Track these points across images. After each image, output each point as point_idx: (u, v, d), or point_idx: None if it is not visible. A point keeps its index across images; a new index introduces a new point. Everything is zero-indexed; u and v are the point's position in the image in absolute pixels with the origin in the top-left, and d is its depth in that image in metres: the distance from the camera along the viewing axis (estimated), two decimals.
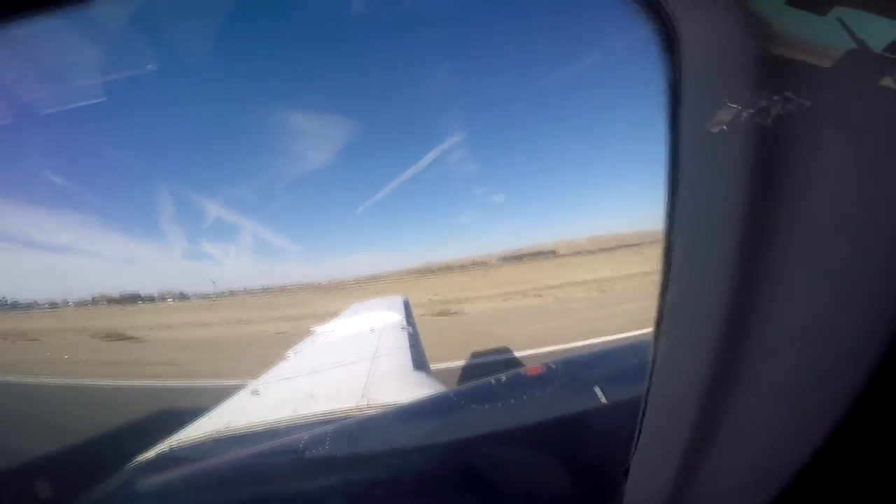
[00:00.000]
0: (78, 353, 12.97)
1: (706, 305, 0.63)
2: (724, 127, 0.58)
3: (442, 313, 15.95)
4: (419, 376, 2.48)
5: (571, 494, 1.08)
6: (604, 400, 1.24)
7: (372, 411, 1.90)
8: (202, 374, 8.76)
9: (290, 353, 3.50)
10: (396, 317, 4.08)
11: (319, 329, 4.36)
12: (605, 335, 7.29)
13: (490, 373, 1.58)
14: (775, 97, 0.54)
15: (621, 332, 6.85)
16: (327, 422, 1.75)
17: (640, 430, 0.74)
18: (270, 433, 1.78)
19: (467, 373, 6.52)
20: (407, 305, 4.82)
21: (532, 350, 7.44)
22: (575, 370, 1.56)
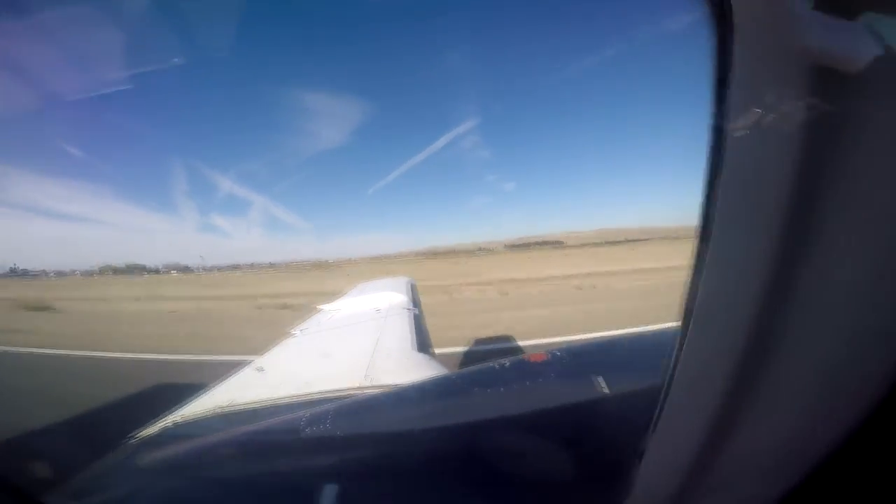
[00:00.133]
0: None
1: (740, 297, 0.63)
2: (774, 124, 0.57)
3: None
4: (423, 358, 2.48)
5: (578, 478, 1.08)
6: (607, 389, 1.24)
7: (374, 391, 1.90)
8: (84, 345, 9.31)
9: (296, 330, 3.51)
10: (402, 298, 4.08)
11: (325, 307, 4.37)
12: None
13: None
14: (828, 97, 0.54)
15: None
16: (329, 400, 1.76)
17: (658, 415, 0.74)
18: (273, 410, 1.79)
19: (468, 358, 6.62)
20: (413, 287, 4.81)
21: None
22: (579, 359, 1.55)
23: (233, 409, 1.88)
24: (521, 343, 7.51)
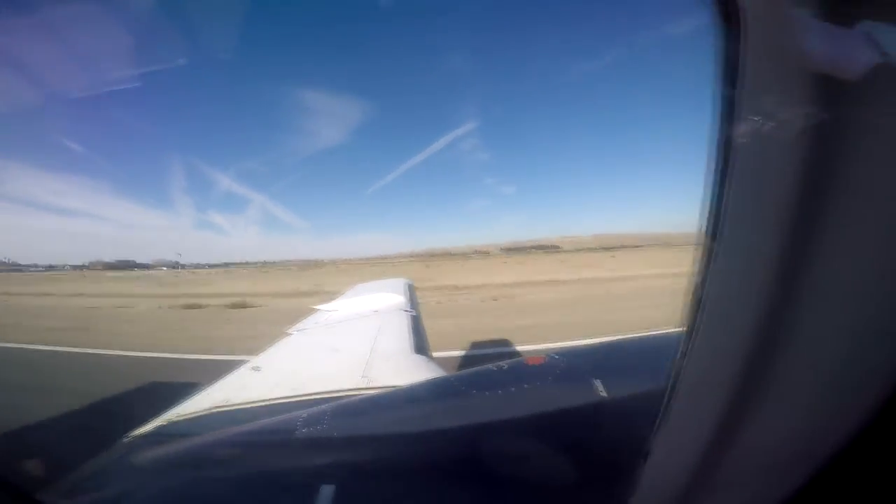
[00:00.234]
0: None
1: (749, 298, 0.63)
2: (781, 128, 0.57)
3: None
4: (420, 360, 2.47)
5: (580, 479, 1.08)
6: (605, 392, 1.25)
7: (371, 392, 1.89)
8: None
9: (293, 330, 3.49)
10: (399, 299, 4.06)
11: (322, 308, 4.35)
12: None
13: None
14: (834, 101, 0.54)
15: None
16: (326, 401, 1.75)
17: (663, 416, 0.74)
18: (269, 410, 1.78)
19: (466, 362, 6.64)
20: (410, 288, 4.80)
21: None
22: (577, 361, 1.55)
23: (229, 408, 1.86)
24: (518, 348, 7.53)
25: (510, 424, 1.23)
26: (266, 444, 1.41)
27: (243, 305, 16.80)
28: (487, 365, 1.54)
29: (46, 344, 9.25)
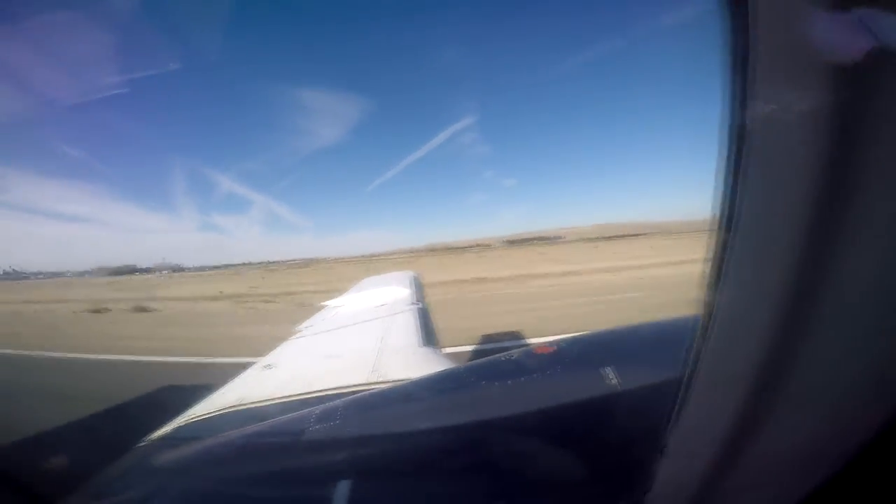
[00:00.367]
0: None
1: (770, 291, 0.61)
2: (795, 117, 0.56)
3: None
4: (430, 353, 2.49)
5: (596, 473, 1.08)
6: (617, 381, 1.23)
7: (382, 386, 1.90)
8: None
9: (302, 327, 3.51)
10: (407, 292, 4.08)
11: (330, 303, 4.37)
12: None
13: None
14: (850, 90, 0.52)
15: None
16: (338, 396, 1.76)
17: (679, 409, 0.73)
18: (283, 407, 1.79)
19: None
20: (417, 281, 4.80)
21: None
22: (588, 349, 1.54)
23: (243, 407, 1.88)
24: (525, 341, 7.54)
25: (527, 416, 1.22)
26: (281, 441, 1.43)
27: (144, 310, 18.62)
28: (497, 355, 1.54)
29: None
